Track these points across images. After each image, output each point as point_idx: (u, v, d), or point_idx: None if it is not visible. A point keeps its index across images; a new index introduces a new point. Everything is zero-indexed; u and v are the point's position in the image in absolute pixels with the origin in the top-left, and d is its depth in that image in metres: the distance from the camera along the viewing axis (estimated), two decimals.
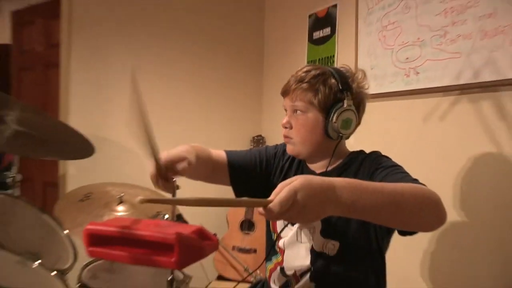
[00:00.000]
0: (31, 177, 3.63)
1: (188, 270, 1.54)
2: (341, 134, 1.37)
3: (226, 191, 1.54)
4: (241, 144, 3.69)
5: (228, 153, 1.54)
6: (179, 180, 1.19)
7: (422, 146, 2.21)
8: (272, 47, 3.78)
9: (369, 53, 2.53)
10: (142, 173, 3.12)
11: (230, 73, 3.73)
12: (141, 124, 0.92)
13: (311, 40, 3.12)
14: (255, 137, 3.60)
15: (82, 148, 1.54)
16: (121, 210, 2.10)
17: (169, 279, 0.93)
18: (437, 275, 2.14)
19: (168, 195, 1.15)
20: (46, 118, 1.40)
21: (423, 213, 1.04)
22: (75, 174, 3.19)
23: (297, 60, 3.26)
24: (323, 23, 2.99)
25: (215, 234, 2.74)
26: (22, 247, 1.57)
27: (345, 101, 1.35)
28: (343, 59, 2.78)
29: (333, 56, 2.88)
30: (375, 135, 2.26)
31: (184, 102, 3.56)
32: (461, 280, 2.00)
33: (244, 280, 2.73)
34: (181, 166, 1.18)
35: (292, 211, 0.85)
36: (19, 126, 1.51)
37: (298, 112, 1.39)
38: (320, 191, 0.89)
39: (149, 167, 1.15)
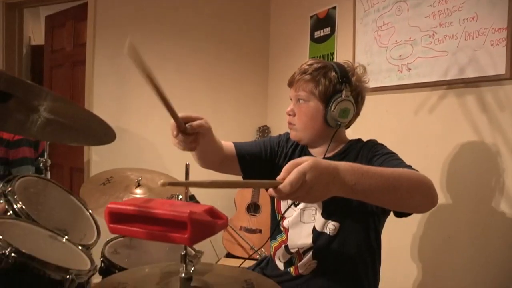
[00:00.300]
0: (60, 163, 3.68)
1: (199, 247, 1.54)
2: (339, 122, 1.37)
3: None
4: (248, 133, 3.69)
5: (236, 144, 1.54)
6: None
7: (412, 136, 2.20)
8: (276, 45, 3.75)
9: (366, 51, 2.51)
10: (158, 160, 3.14)
11: (238, 69, 3.72)
12: (152, 85, 0.89)
13: (313, 39, 3.10)
14: (261, 127, 3.59)
15: (104, 134, 1.54)
16: (139, 193, 2.10)
17: (182, 253, 0.92)
18: (423, 254, 2.14)
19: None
20: (73, 107, 1.40)
21: (417, 195, 1.05)
22: (98, 160, 3.22)
23: (300, 57, 3.23)
24: (324, 23, 2.97)
25: None
26: (52, 224, 1.58)
27: (344, 92, 1.35)
28: (342, 56, 2.77)
29: (333, 53, 2.86)
30: (371, 126, 2.25)
31: (197, 95, 3.56)
32: (443, 259, 2.00)
33: (250, 257, 2.74)
34: (197, 122, 1.18)
35: (301, 191, 0.85)
36: (50, 115, 1.52)
37: (301, 101, 1.40)
38: (326, 173, 0.88)
39: (168, 130, 1.15)
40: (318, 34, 3.04)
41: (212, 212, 0.84)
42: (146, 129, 3.32)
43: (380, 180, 0.96)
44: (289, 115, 1.44)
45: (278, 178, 0.87)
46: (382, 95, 2.38)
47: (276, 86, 3.73)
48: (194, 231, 0.76)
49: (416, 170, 1.14)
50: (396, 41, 2.28)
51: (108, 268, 1.66)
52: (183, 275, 0.92)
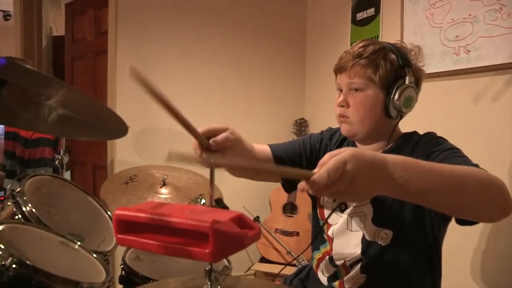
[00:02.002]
0: (82, 160, 3.69)
1: None
2: (402, 113, 1.26)
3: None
4: (284, 128, 3.63)
5: (272, 146, 1.43)
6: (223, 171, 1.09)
7: (472, 129, 2.08)
8: (314, 30, 3.67)
9: (415, 32, 2.42)
10: None
11: (272, 57, 3.65)
12: (162, 104, 0.81)
13: (354, 22, 3.02)
14: (298, 121, 3.52)
15: (117, 128, 1.46)
16: (164, 193, 2.09)
17: (207, 268, 0.81)
18: (488, 272, 2.00)
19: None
20: (86, 99, 1.32)
21: (485, 200, 0.92)
22: (122, 157, 3.18)
23: (340, 42, 3.14)
24: (367, 4, 2.89)
25: (257, 218, 2.62)
26: (66, 228, 1.53)
27: (407, 78, 1.23)
28: (387, 40, 2.62)
29: (377, 36, 2.78)
30: (421, 118, 2.11)
31: (228, 87, 3.51)
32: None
33: (289, 264, 2.65)
34: (222, 136, 1.08)
35: (340, 183, 0.77)
36: (59, 107, 1.44)
37: (356, 89, 1.27)
38: (371, 164, 0.80)
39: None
40: (360, 16, 2.96)
41: (241, 220, 0.73)
42: (174, 122, 3.25)
43: (438, 178, 0.86)
44: (342, 106, 1.30)
45: (314, 171, 0.78)
46: (435, 82, 2.27)
47: (314, 76, 3.65)
48: (218, 245, 0.65)
49: (485, 170, 1.00)
50: (452, 19, 2.17)
51: (129, 277, 1.59)
52: None
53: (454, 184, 0.88)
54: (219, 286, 0.84)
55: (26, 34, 3.56)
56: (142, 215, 0.71)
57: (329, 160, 0.77)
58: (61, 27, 4.59)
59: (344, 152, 0.78)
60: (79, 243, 1.42)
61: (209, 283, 0.84)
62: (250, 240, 0.72)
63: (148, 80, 0.74)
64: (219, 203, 0.95)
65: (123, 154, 3.18)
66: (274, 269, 2.94)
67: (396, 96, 1.22)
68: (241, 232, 0.70)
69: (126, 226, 0.73)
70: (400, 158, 0.85)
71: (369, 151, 0.83)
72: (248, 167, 0.75)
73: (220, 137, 1.07)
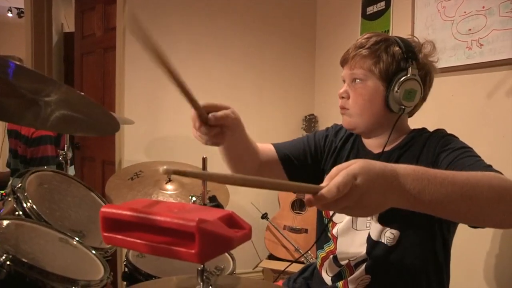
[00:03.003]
0: (91, 156, 3.69)
1: (238, 248, 1.39)
2: (403, 107, 1.20)
3: None
4: (294, 124, 3.58)
5: (276, 145, 1.38)
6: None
7: (485, 125, 2.01)
8: (324, 25, 3.61)
9: (427, 26, 2.35)
10: (194, 152, 3.01)
11: (282, 52, 3.60)
12: (163, 67, 0.79)
13: (365, 16, 2.96)
14: (307, 116, 3.47)
15: (109, 124, 1.42)
16: (170, 189, 2.08)
17: (199, 268, 0.78)
18: (501, 273, 1.93)
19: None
20: (81, 97, 1.28)
21: (502, 208, 0.86)
22: (130, 153, 3.15)
23: (350, 37, 3.08)
24: None
25: (265, 214, 2.56)
26: (67, 225, 1.50)
27: (410, 70, 1.19)
28: (398, 34, 2.56)
29: (388, 31, 2.71)
30: (432, 113, 2.05)
31: (238, 82, 3.46)
32: None
33: (296, 261, 2.60)
34: (222, 112, 1.03)
35: (349, 198, 0.73)
36: (58, 106, 1.41)
37: (357, 80, 1.23)
38: (383, 177, 0.76)
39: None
40: (370, 10, 2.90)
41: (230, 220, 0.69)
42: (181, 117, 3.21)
43: (452, 187, 0.81)
44: (342, 97, 1.27)
45: (321, 185, 0.74)
46: (446, 77, 2.20)
47: (324, 71, 3.59)
48: (204, 245, 0.62)
49: (499, 172, 0.95)
50: (465, 12, 2.10)
51: (132, 274, 1.56)
52: None
53: (468, 194, 0.82)
54: (210, 286, 0.81)
55: (37, 30, 3.53)
56: (129, 213, 0.68)
57: (338, 174, 0.73)
58: (72, 24, 4.60)
59: (354, 165, 0.74)
60: (77, 239, 1.39)
61: (201, 283, 0.81)
62: (240, 240, 0.68)
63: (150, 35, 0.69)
64: (213, 201, 0.91)
65: (130, 150, 3.15)
66: (282, 266, 2.90)
67: (396, 88, 1.18)
68: (229, 232, 0.66)
69: (112, 224, 0.70)
70: (410, 168, 0.80)
71: (378, 162, 0.79)
72: (254, 184, 0.71)
73: (220, 112, 1.03)
